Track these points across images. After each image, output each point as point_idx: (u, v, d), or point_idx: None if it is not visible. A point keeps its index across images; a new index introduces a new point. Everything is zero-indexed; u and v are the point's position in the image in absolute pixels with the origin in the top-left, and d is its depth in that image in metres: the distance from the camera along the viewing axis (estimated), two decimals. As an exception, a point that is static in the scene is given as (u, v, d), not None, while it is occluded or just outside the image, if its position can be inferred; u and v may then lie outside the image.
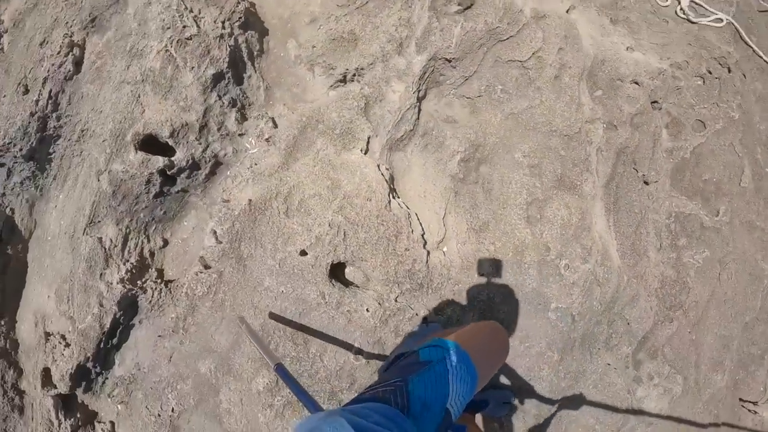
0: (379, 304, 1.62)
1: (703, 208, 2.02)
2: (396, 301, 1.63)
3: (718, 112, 2.13)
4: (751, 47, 2.32)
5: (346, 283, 1.73)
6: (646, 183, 1.96)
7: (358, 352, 1.65)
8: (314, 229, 1.69)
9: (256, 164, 1.96)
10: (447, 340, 0.97)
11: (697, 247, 1.99)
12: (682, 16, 2.22)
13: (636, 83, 1.98)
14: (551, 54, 1.85)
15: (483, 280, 1.71)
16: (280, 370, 1.12)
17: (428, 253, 1.65)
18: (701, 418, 1.95)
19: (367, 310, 1.61)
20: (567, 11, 2.06)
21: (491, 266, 1.71)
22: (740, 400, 2.22)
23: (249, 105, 2.12)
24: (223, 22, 2.06)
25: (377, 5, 1.98)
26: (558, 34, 1.89)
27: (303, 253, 1.73)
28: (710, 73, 2.17)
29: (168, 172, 2.00)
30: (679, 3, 2.23)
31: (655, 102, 2.01)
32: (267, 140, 2.01)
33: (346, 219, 1.65)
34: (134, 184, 2.00)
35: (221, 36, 2.04)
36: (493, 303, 1.72)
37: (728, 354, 2.04)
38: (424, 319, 1.65)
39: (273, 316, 1.79)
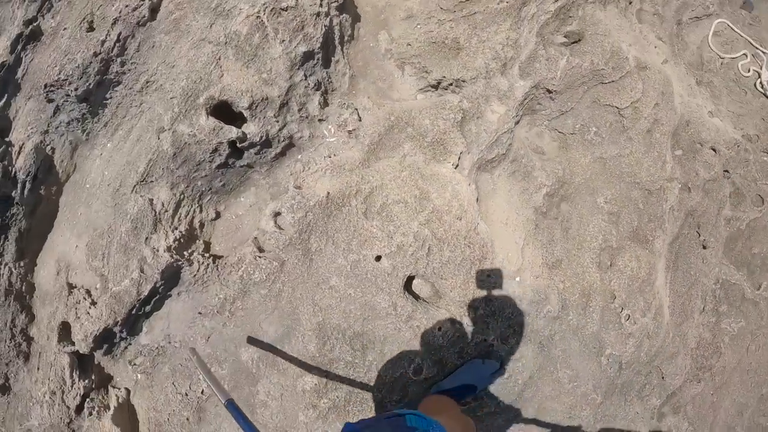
0: (451, 324, 1.69)
1: (748, 279, 2.21)
2: (467, 323, 1.71)
3: (775, 190, 2.32)
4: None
5: (415, 296, 1.79)
6: (704, 247, 2.12)
7: (417, 371, 1.73)
8: (396, 238, 1.73)
9: (334, 155, 1.97)
10: (430, 418, 1.16)
11: (735, 316, 2.18)
12: (761, 89, 2.39)
13: (713, 150, 2.13)
14: (648, 107, 1.97)
15: (548, 316, 1.82)
16: (231, 406, 1.12)
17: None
18: None
19: (440, 329, 1.69)
20: (663, 62, 2.18)
21: (559, 304, 1.82)
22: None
23: (332, 90, 2.12)
24: (321, 0, 2.05)
25: (485, 19, 2.02)
26: (656, 89, 2.00)
27: (378, 258, 1.77)
28: (775, 150, 2.36)
29: (238, 145, 1.98)
30: (759, 77, 2.40)
31: (726, 171, 2.17)
32: (350, 132, 2.02)
33: (433, 234, 1.71)
34: (199, 150, 1.98)
35: (318, 14, 2.02)
36: (552, 341, 1.84)
37: (740, 421, 2.25)
38: (490, 346, 1.74)
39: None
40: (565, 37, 2.05)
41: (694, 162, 2.09)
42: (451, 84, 1.97)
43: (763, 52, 2.45)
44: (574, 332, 1.85)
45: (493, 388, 1.80)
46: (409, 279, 1.77)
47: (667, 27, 2.35)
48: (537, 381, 1.85)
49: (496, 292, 1.73)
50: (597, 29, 2.02)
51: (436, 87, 2.03)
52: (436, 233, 1.71)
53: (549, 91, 1.95)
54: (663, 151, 1.98)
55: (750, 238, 2.24)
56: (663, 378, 2.09)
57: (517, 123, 1.92)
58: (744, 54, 2.43)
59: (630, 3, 2.27)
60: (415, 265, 1.71)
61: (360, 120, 2.01)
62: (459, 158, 1.83)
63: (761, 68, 2.42)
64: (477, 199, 1.79)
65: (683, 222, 2.03)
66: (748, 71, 2.41)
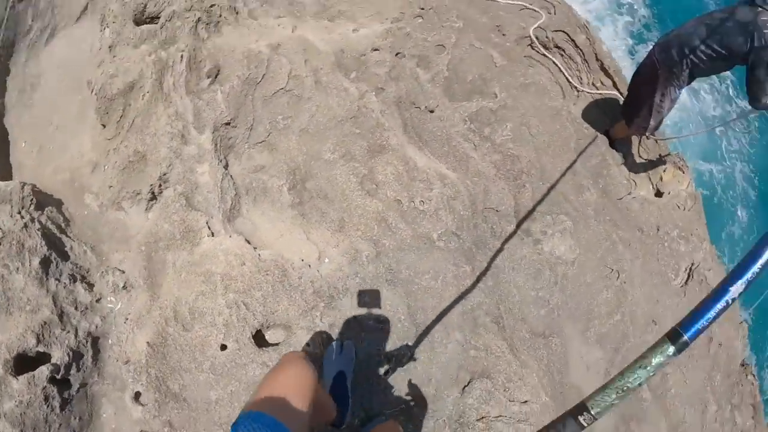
0: (310, 335, 1.92)
1: (484, 99, 2.68)
2: (322, 321, 1.95)
3: (446, 31, 2.84)
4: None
5: (275, 344, 2.00)
6: (431, 111, 2.55)
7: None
8: (218, 320, 1.93)
9: (129, 314, 2.14)
10: (240, 415, 0.99)
11: (500, 126, 2.64)
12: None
13: (376, 50, 2.59)
14: (301, 68, 2.36)
15: (370, 258, 2.11)
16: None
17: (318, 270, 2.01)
18: (604, 228, 2.59)
19: (308, 344, 1.91)
20: (292, 31, 2.61)
21: (370, 246, 2.12)
22: (618, 199, 2.96)
23: (87, 272, 2.28)
24: (19, 212, 2.22)
25: (142, 117, 2.31)
26: (297, 51, 2.41)
27: (223, 347, 1.96)
28: (423, 9, 2.89)
29: (58, 377, 2.08)
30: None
31: (399, 53, 2.64)
32: (124, 287, 2.20)
33: (237, 292, 1.93)
34: (36, 411, 2.04)
35: (25, 225, 2.19)
36: (392, 270, 2.13)
37: (578, 164, 2.71)
38: (339, 337, 1.98)
39: None
40: (208, 77, 2.39)
41: (369, 69, 2.52)
42: (159, 185, 2.22)
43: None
44: (400, 250, 2.16)
45: (393, 343, 2.04)
46: (258, 336, 1.98)
47: (280, 5, 2.80)
48: (414, 306, 2.12)
49: (318, 284, 1.99)
50: (226, 52, 2.40)
51: (153, 197, 2.26)
52: (239, 289, 1.94)
53: (227, 124, 2.27)
54: (339, 83, 2.39)
55: (458, 75, 2.72)
56: (497, 210, 2.47)
57: (226, 166, 2.23)
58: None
59: (237, 13, 2.69)
60: (247, 324, 1.92)
61: (123, 272, 2.20)
62: (209, 227, 2.08)
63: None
64: (246, 240, 2.05)
65: (398, 111, 2.44)
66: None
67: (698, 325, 0.81)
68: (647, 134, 3.12)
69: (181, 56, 2.25)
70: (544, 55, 3.31)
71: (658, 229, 3.13)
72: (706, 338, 3.04)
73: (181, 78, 2.37)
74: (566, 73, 3.33)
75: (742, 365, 3.45)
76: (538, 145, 2.73)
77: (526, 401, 2.18)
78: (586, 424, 0.83)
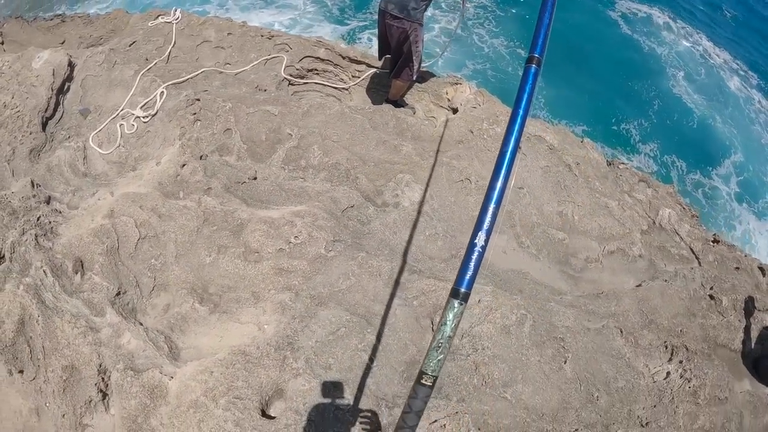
0: (299, 378, 2.67)
1: (283, 143, 3.67)
2: (297, 363, 2.70)
3: (223, 117, 3.80)
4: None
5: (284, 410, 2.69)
6: (254, 179, 3.47)
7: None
8: (227, 426, 2.58)
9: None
10: None
11: (309, 153, 3.64)
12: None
13: (183, 165, 3.44)
14: (141, 214, 3.11)
15: (296, 302, 2.93)
16: None
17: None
18: (433, 160, 3.68)
19: (304, 384, 2.65)
20: (113, 195, 3.34)
21: (288, 295, 2.94)
22: (430, 135, 4.10)
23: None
24: None
25: (49, 339, 2.84)
26: (129, 206, 3.15)
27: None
28: (195, 113, 3.81)
29: None
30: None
31: (202, 156, 3.52)
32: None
33: (224, 394, 2.59)
34: None
35: None
36: (315, 296, 2.96)
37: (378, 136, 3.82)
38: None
39: None
40: (76, 272, 3.02)
41: (189, 182, 3.36)
42: (102, 378, 2.79)
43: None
44: (309, 279, 2.99)
45: (360, 340, 2.85)
46: (263, 415, 2.66)
47: (88, 185, 3.51)
48: (350, 306, 2.96)
49: (274, 341, 2.75)
50: (76, 244, 3.04)
51: (104, 393, 2.81)
52: (224, 391, 2.60)
53: (118, 294, 2.93)
54: (176, 206, 3.19)
55: (254, 141, 3.68)
56: (353, 206, 3.45)
57: (142, 324, 2.89)
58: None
59: (61, 213, 3.34)
60: (251, 408, 2.59)
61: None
62: (165, 375, 2.72)
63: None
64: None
65: (232, 195, 3.31)
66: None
67: (467, 277, 1.06)
68: (414, 77, 4.29)
69: (44, 272, 2.86)
70: (305, 83, 4.43)
71: (472, 132, 4.32)
72: (565, 167, 4.13)
73: (56, 287, 2.96)
74: (329, 84, 4.48)
75: (609, 164, 4.51)
76: (345, 144, 3.77)
77: (479, 300, 3.06)
78: (430, 383, 1.09)
